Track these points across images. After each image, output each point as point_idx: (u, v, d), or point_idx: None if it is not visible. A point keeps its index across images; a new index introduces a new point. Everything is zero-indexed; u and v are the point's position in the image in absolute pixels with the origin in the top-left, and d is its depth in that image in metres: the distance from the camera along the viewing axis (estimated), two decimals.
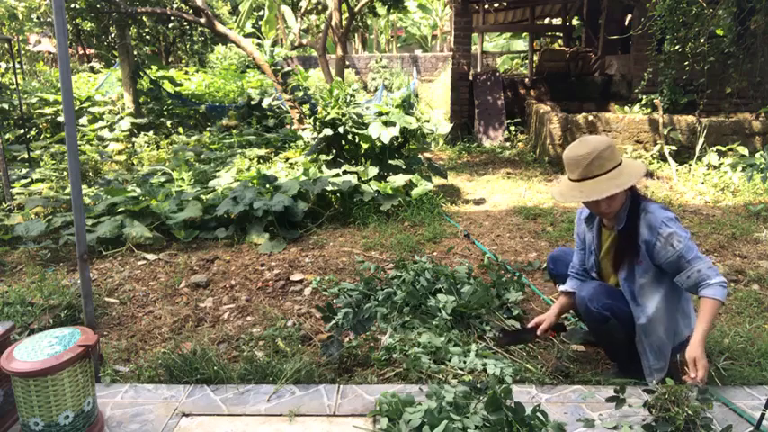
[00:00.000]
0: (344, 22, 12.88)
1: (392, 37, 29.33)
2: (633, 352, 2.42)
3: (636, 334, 2.37)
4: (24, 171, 6.63)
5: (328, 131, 5.92)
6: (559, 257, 2.87)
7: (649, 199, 2.42)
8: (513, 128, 9.85)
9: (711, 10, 7.17)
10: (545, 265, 3.92)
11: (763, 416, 2.05)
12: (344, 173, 5.68)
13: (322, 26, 17.14)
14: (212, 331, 3.08)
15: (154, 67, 12.22)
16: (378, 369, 2.63)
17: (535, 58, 13.18)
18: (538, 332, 2.66)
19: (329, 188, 5.21)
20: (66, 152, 2.40)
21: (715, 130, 7.17)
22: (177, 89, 11.54)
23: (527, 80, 11.34)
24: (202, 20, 9.43)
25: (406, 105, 6.39)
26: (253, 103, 10.46)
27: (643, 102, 8.60)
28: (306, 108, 7.95)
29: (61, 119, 9.29)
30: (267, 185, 5.25)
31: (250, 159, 7.27)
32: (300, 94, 8.71)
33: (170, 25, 13.43)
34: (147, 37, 14.14)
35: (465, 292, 3.12)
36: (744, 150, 6.60)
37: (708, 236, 4.55)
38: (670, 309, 2.34)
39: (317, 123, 6.11)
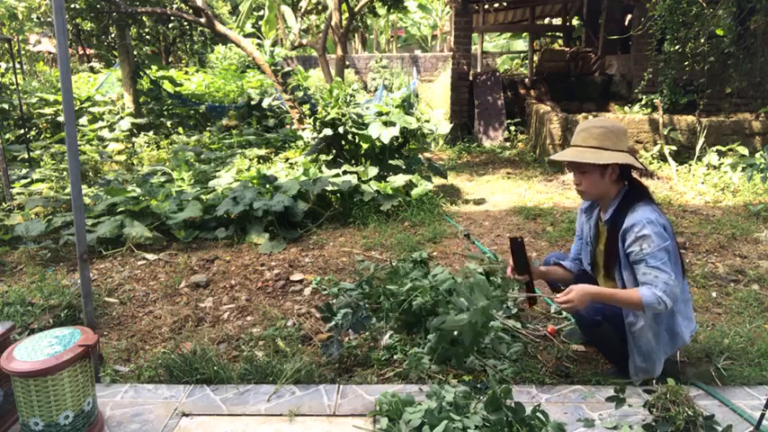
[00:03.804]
0: (344, 22, 12.87)
1: (392, 37, 29.33)
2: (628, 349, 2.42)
3: (626, 333, 2.36)
4: (24, 171, 6.62)
5: (328, 131, 5.92)
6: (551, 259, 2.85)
7: (648, 202, 2.36)
8: (513, 128, 9.85)
9: (711, 10, 7.17)
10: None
11: (763, 416, 2.05)
12: (344, 173, 5.68)
13: (322, 26, 17.14)
14: (212, 331, 3.08)
15: (154, 67, 12.22)
16: (378, 369, 2.63)
17: (535, 58, 13.18)
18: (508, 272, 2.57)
19: (329, 188, 5.21)
20: (66, 152, 2.40)
21: (715, 130, 7.17)
22: (177, 89, 11.53)
23: (527, 80, 11.34)
24: (202, 20, 9.43)
25: (406, 105, 6.39)
26: (253, 103, 10.46)
27: (643, 102, 8.60)
28: (306, 108, 7.95)
29: (61, 119, 9.29)
30: (267, 185, 5.25)
31: (250, 159, 7.27)
32: (300, 94, 8.71)
33: (170, 25, 13.42)
34: (147, 37, 14.13)
35: None
36: (744, 150, 6.60)
37: (708, 236, 4.55)
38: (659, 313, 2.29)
39: (317, 123, 6.11)
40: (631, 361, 2.39)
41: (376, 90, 15.59)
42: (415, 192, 5.58)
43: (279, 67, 9.09)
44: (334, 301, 3.32)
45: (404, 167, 5.91)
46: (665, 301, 2.16)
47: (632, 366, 2.39)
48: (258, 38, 21.35)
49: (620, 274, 2.36)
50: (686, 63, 7.51)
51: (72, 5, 10.13)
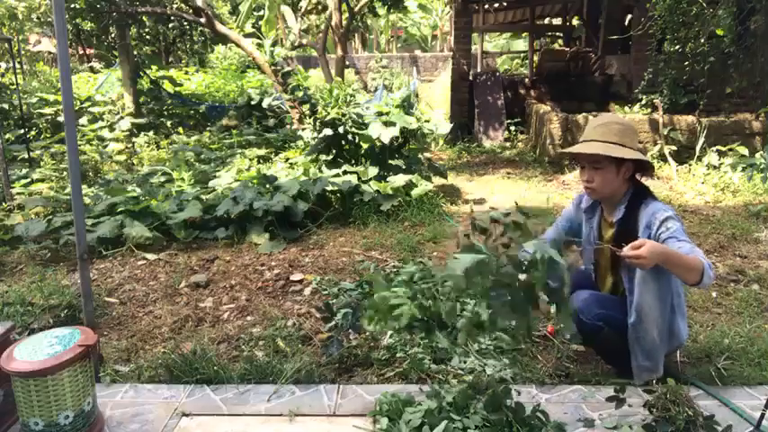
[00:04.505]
0: (344, 22, 12.88)
1: (392, 37, 29.35)
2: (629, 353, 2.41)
3: (628, 333, 2.34)
4: (24, 171, 6.63)
5: (328, 131, 5.92)
6: None
7: (654, 199, 2.40)
8: (513, 128, 9.85)
9: (711, 10, 7.17)
10: None
11: (763, 416, 2.05)
12: (344, 173, 5.68)
13: (322, 26, 17.16)
14: (212, 331, 3.08)
15: (154, 67, 12.22)
16: (378, 369, 2.63)
17: (535, 58, 13.18)
18: None
19: (329, 188, 5.21)
20: (66, 152, 2.40)
21: (715, 130, 7.16)
22: (177, 89, 11.54)
23: (527, 80, 11.34)
24: (202, 20, 9.43)
25: (406, 105, 6.39)
26: (253, 103, 10.46)
27: (643, 102, 8.59)
28: (306, 108, 7.96)
29: (61, 119, 9.29)
30: (267, 185, 5.25)
31: (250, 159, 7.27)
32: (300, 94, 8.71)
33: (170, 25, 13.41)
34: (147, 37, 14.13)
35: None
36: (744, 150, 6.60)
37: (708, 236, 4.55)
38: (665, 308, 2.30)
39: (317, 123, 6.12)
40: (634, 361, 2.36)
41: (376, 90, 15.60)
42: (415, 192, 5.58)
43: (279, 67, 9.09)
44: (334, 301, 3.32)
45: (404, 167, 5.91)
46: (711, 268, 2.10)
47: (635, 367, 2.37)
48: (258, 38, 21.34)
49: (626, 272, 2.36)
50: (686, 63, 7.51)
51: (72, 5, 10.12)
